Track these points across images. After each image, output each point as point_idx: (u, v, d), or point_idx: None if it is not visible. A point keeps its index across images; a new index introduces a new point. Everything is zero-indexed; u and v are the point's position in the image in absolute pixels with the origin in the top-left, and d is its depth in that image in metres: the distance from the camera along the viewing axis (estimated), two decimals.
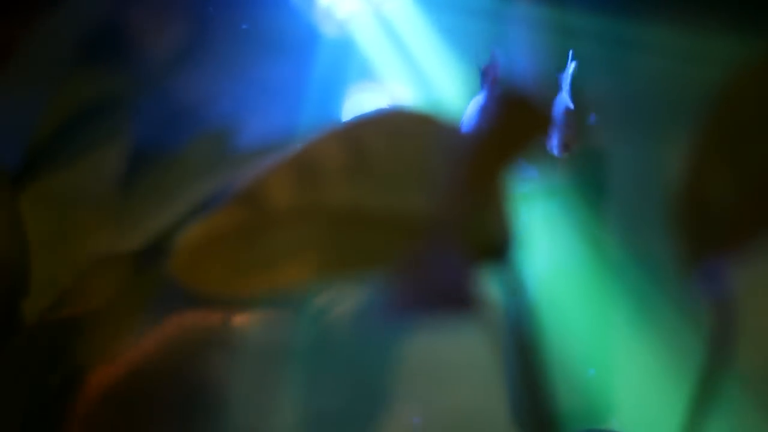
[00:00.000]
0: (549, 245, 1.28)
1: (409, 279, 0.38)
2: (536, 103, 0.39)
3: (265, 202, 0.43)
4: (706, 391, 0.40)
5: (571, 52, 1.28)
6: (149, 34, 1.30)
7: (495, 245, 0.42)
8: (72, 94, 1.25)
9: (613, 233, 1.31)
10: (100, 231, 1.18)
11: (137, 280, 1.07)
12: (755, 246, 0.39)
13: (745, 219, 0.40)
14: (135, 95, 1.27)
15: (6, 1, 1.24)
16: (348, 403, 1.19)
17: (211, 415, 1.10)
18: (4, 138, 1.21)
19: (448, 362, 1.20)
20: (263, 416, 1.14)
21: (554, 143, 1.23)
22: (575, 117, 1.25)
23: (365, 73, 1.36)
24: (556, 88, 1.28)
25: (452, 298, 0.38)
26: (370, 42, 1.38)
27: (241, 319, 1.14)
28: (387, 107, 0.50)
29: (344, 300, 1.18)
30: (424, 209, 0.42)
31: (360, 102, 1.34)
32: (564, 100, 1.26)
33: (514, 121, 0.40)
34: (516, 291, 0.42)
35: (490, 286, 0.40)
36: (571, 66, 1.28)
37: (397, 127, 0.45)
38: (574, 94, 1.27)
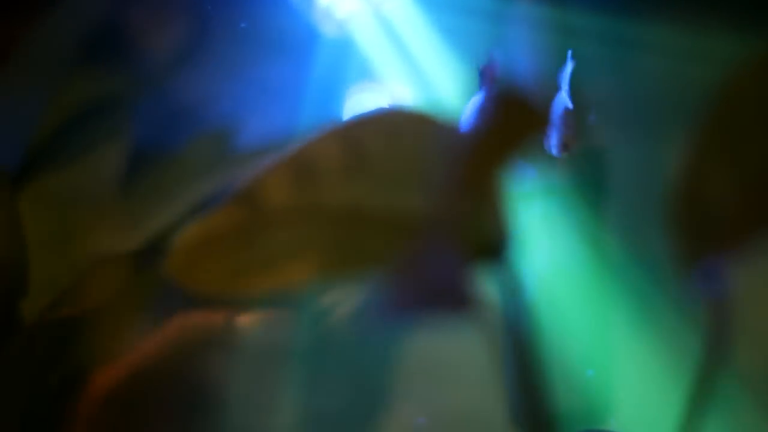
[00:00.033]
0: (548, 245, 1.28)
1: (406, 278, 0.38)
2: (532, 101, 0.39)
3: (262, 202, 0.43)
4: (703, 390, 0.40)
5: (569, 52, 1.28)
6: (149, 34, 1.30)
7: (491, 244, 0.42)
8: (72, 94, 1.25)
9: (613, 233, 1.30)
10: (99, 231, 1.18)
11: (137, 280, 1.07)
12: (754, 245, 0.39)
13: (743, 218, 0.40)
14: (135, 95, 1.27)
15: (6, 1, 1.24)
16: (348, 403, 1.19)
17: (212, 415, 1.10)
18: (4, 138, 1.21)
19: (448, 362, 1.20)
20: (264, 416, 1.14)
21: (553, 143, 1.23)
22: (574, 117, 1.25)
23: (365, 72, 1.36)
24: (556, 87, 1.28)
25: (449, 297, 0.38)
26: (369, 42, 1.38)
27: (242, 320, 1.14)
28: (385, 107, 0.50)
29: (344, 300, 1.18)
30: (421, 209, 0.42)
31: (360, 102, 1.34)
32: (563, 99, 1.26)
33: (510, 120, 0.40)
34: (513, 290, 0.42)
35: (487, 285, 0.40)
36: (570, 65, 1.28)
37: (395, 127, 0.45)
38: (573, 93, 1.26)
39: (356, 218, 0.43)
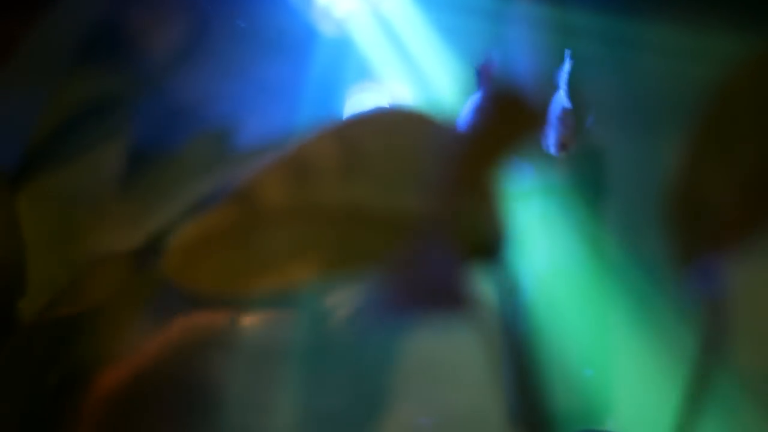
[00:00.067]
0: (546, 245, 1.28)
1: (403, 277, 0.38)
2: (528, 101, 0.39)
3: (259, 201, 0.43)
4: (700, 390, 0.40)
5: (567, 51, 1.28)
6: (148, 34, 1.30)
7: (488, 244, 0.42)
8: (71, 93, 1.26)
9: (611, 233, 1.30)
10: (98, 231, 1.18)
11: (136, 280, 1.07)
12: (751, 244, 0.39)
13: (741, 217, 0.40)
14: (134, 95, 1.27)
15: (6, 1, 1.24)
16: (347, 403, 1.19)
17: (213, 415, 1.10)
18: (4, 138, 1.21)
19: (446, 362, 1.20)
20: (264, 416, 1.14)
21: (551, 142, 1.23)
22: (572, 116, 1.25)
23: (363, 72, 1.36)
24: (554, 87, 1.28)
25: (445, 297, 0.37)
26: (368, 41, 1.38)
27: (242, 320, 1.15)
28: (382, 106, 0.50)
29: (343, 300, 1.18)
30: (419, 208, 0.42)
31: (358, 101, 1.34)
32: (561, 99, 1.26)
33: (506, 119, 0.40)
34: (510, 290, 0.42)
35: (484, 285, 0.40)
36: (568, 65, 1.28)
37: (393, 126, 0.45)
38: (572, 93, 1.26)
39: (354, 217, 0.43)
